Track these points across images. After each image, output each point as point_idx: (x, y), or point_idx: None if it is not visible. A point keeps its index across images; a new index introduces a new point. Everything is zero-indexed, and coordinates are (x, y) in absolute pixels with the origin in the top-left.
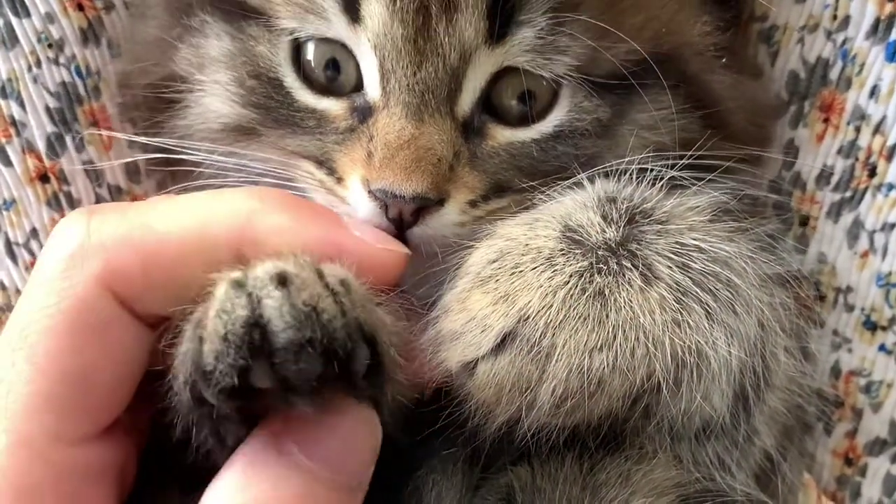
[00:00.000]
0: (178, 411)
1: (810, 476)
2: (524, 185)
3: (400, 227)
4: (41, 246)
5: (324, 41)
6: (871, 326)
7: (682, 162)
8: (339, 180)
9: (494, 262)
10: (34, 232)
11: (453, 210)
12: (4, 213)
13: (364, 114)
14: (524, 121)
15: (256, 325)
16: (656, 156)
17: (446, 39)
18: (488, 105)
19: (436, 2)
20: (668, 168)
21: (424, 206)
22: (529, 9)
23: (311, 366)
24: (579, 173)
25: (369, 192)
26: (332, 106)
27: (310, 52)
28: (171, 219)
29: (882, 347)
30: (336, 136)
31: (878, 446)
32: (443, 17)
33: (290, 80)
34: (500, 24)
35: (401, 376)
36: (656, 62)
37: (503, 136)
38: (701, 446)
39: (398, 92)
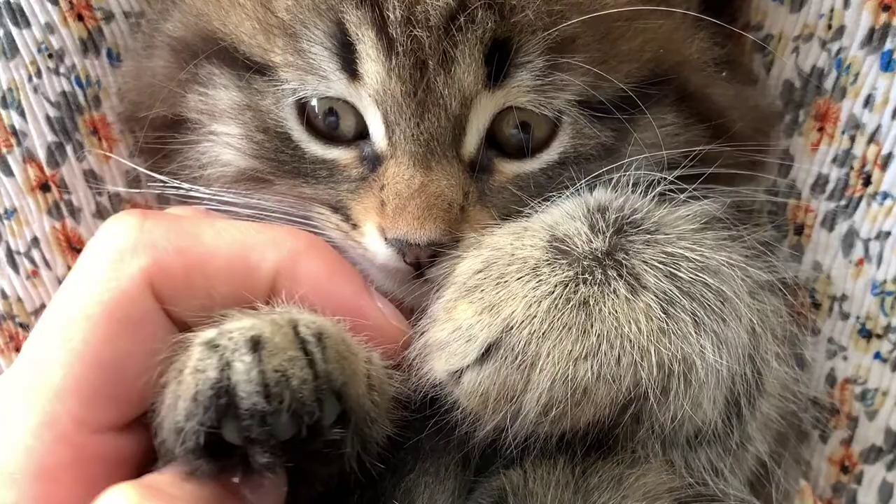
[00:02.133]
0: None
1: (807, 483)
2: (532, 212)
3: (418, 268)
4: (42, 255)
5: (326, 98)
6: (866, 334)
7: (676, 172)
8: (355, 226)
9: (480, 272)
10: (35, 241)
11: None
12: (5, 222)
13: (374, 163)
14: (529, 152)
15: (225, 390)
16: (657, 160)
17: (446, 91)
18: (493, 141)
19: (432, 57)
20: (668, 176)
21: (440, 249)
22: (527, 51)
23: (279, 428)
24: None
25: (386, 239)
26: (341, 155)
27: (313, 101)
28: (220, 237)
29: (877, 355)
30: (349, 185)
31: (873, 454)
32: (440, 70)
33: (298, 134)
34: (498, 68)
35: (377, 413)
36: (657, 81)
37: (510, 169)
38: (693, 452)
39: (404, 143)
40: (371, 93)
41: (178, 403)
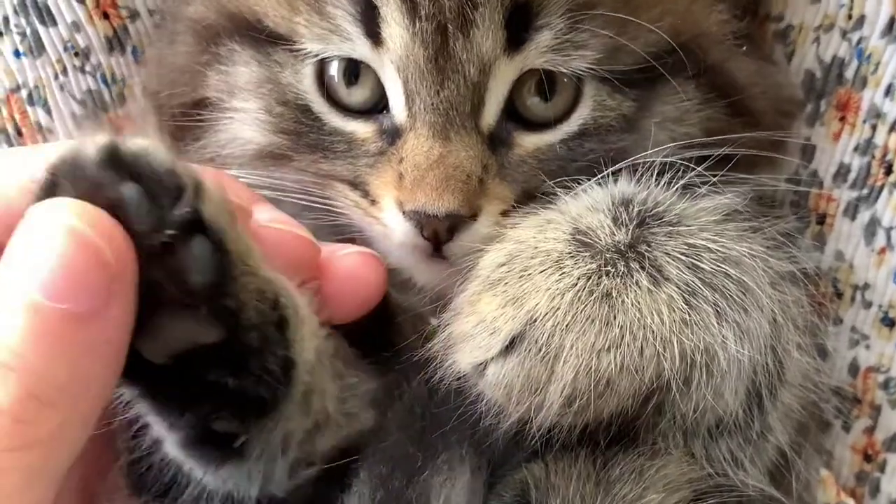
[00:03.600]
0: None
1: (829, 472)
2: (553, 189)
3: (437, 244)
4: None
5: (348, 61)
6: (888, 323)
7: (707, 161)
8: (374, 202)
9: (504, 265)
10: None
11: (486, 223)
12: None
13: (392, 136)
14: (548, 123)
15: (73, 162)
16: (682, 146)
17: (465, 56)
18: (513, 112)
19: (452, 20)
20: (693, 161)
21: (458, 222)
22: (547, 13)
23: (128, 194)
24: (606, 168)
25: (404, 213)
26: (360, 128)
27: (333, 68)
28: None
29: None
30: (367, 160)
31: None
32: (459, 34)
33: (318, 105)
34: (518, 33)
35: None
36: (676, 55)
37: (530, 142)
38: (714, 443)
39: (423, 112)
40: (394, 59)
41: None
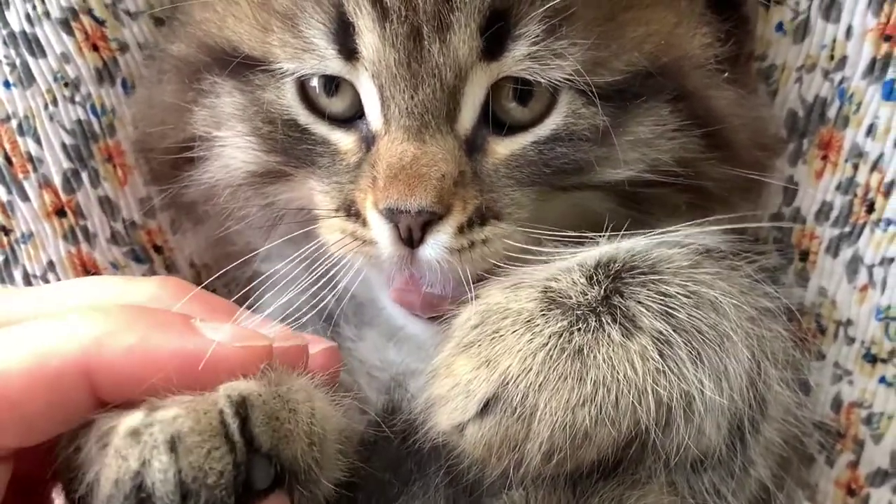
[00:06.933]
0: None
1: None
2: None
3: (411, 246)
4: (57, 278)
5: (325, 76)
6: (871, 359)
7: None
8: (364, 223)
9: (476, 326)
10: (51, 265)
11: (457, 221)
12: (22, 246)
13: (369, 143)
14: (523, 127)
15: (143, 485)
16: (659, 173)
17: (441, 60)
18: (487, 118)
19: (427, 24)
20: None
21: (431, 220)
22: (525, 23)
23: None
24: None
25: (379, 212)
26: (342, 139)
27: (313, 81)
28: (8, 354)
29: (882, 380)
30: (349, 175)
31: (879, 477)
32: (436, 38)
33: (304, 118)
34: (496, 38)
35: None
36: (656, 76)
37: (504, 147)
38: (697, 476)
39: (398, 117)
40: (367, 66)
41: (102, 480)
